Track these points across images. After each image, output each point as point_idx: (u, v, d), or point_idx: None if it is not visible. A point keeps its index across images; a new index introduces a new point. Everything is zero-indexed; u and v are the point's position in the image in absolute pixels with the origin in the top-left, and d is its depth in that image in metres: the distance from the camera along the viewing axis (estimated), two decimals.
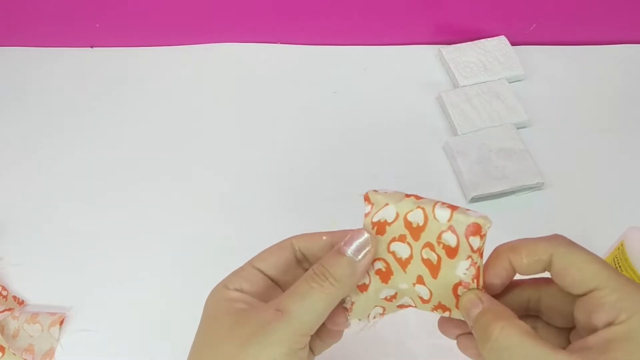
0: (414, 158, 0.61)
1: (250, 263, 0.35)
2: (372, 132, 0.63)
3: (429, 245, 0.31)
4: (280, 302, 0.32)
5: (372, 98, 0.66)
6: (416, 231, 0.31)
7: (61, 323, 0.49)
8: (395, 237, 0.32)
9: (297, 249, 0.35)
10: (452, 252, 0.31)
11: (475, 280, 0.31)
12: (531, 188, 0.57)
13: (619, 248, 0.45)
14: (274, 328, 0.30)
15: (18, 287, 0.52)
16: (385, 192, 0.33)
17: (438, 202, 0.32)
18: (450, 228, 0.31)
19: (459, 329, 0.34)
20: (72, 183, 0.60)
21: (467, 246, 0.31)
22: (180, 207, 0.58)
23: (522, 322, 0.29)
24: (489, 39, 0.68)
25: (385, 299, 0.33)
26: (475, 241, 0.30)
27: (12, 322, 0.49)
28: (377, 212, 0.33)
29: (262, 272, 0.35)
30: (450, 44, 0.68)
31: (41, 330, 0.49)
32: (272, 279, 0.35)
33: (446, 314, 0.33)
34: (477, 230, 0.30)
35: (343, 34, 0.70)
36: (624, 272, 0.44)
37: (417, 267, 0.32)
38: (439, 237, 0.31)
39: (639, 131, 0.62)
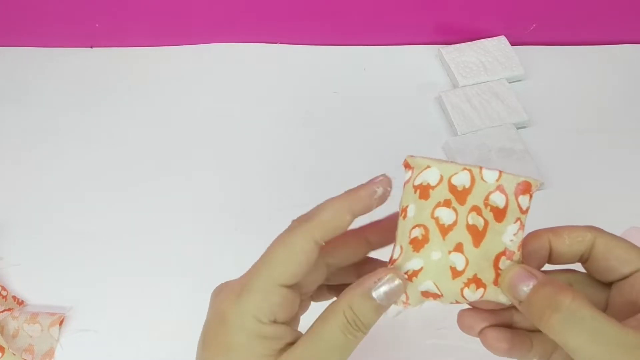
0: None
1: (274, 281, 0.30)
2: (372, 132, 0.63)
3: (475, 209, 0.29)
4: (318, 354, 0.29)
5: (372, 98, 0.66)
6: (462, 194, 0.29)
7: (61, 323, 0.49)
8: (440, 202, 0.30)
9: (370, 245, 0.34)
10: (500, 214, 0.29)
11: (520, 250, 0.30)
12: None
13: None
14: None
15: (18, 287, 0.52)
16: (427, 157, 0.31)
17: (483, 166, 0.30)
18: (499, 188, 0.29)
19: (485, 321, 0.31)
20: (72, 183, 0.60)
21: (516, 206, 0.30)
22: (181, 207, 0.58)
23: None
24: (488, 39, 0.68)
25: (407, 273, 0.30)
26: (525, 200, 0.30)
27: (12, 322, 0.49)
28: (419, 174, 0.30)
29: (286, 287, 0.31)
30: (450, 44, 0.68)
31: (41, 331, 0.49)
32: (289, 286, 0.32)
33: (479, 291, 0.29)
34: (527, 188, 0.30)
35: (343, 34, 0.70)
36: None
37: (459, 234, 0.29)
38: (487, 198, 0.29)
39: (639, 131, 0.62)
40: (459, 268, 0.29)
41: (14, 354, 0.47)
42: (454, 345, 0.48)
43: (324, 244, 0.31)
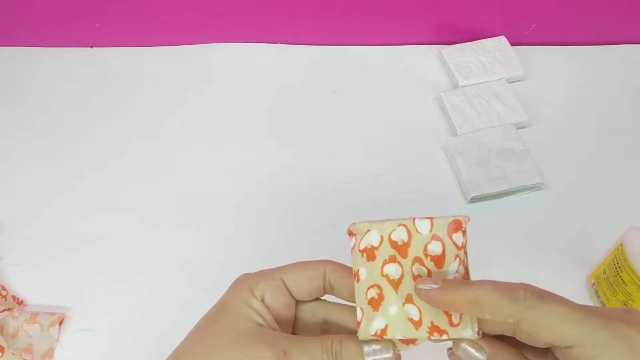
0: (414, 158, 0.61)
1: (280, 274, 0.35)
2: (372, 132, 0.63)
3: (417, 260, 0.32)
4: (290, 347, 0.32)
5: (372, 98, 0.66)
6: (403, 248, 0.32)
7: (61, 323, 0.49)
8: (386, 260, 0.32)
9: (327, 279, 0.35)
10: (440, 260, 0.32)
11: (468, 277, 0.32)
12: (531, 188, 0.57)
13: (618, 248, 0.45)
14: None
15: (18, 287, 0.52)
16: (367, 221, 0.33)
17: (416, 217, 0.32)
18: (434, 237, 0.32)
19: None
20: (72, 183, 0.60)
21: (452, 246, 0.32)
22: (181, 207, 0.58)
23: None
24: (488, 39, 0.68)
25: (376, 334, 0.32)
26: (459, 237, 0.32)
27: (12, 322, 0.49)
28: (362, 239, 0.33)
29: (287, 288, 0.35)
30: (450, 44, 0.68)
31: (41, 330, 0.49)
32: (293, 296, 0.35)
33: (443, 337, 0.31)
34: (457, 226, 0.32)
35: (343, 34, 0.70)
36: (623, 273, 0.44)
37: (407, 286, 0.32)
38: (425, 249, 0.32)
39: (638, 131, 0.62)
40: (415, 318, 0.31)
41: (14, 354, 0.47)
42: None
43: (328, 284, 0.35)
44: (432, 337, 0.31)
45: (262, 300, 0.34)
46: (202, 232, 0.56)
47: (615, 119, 0.63)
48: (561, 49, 0.70)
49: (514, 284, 0.29)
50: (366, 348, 0.31)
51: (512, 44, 0.68)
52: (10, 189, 0.59)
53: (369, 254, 0.33)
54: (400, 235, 0.32)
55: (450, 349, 0.32)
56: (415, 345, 0.32)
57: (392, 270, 0.32)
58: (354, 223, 0.33)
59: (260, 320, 0.33)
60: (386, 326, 0.31)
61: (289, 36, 0.71)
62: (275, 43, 0.71)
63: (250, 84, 0.68)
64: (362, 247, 0.33)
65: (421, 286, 0.30)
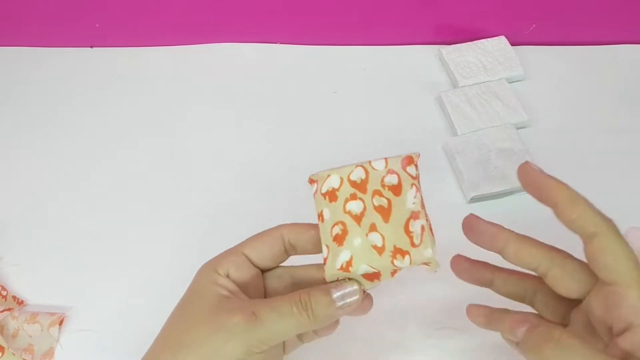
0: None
1: (241, 248, 0.37)
2: (371, 132, 0.63)
3: (376, 192, 0.35)
4: (259, 308, 0.34)
5: (372, 98, 0.66)
6: (362, 185, 0.35)
7: (61, 323, 0.49)
8: (347, 198, 0.35)
9: (287, 240, 0.37)
10: (397, 189, 0.35)
11: (424, 209, 0.35)
12: None
13: None
14: (242, 328, 0.33)
15: (18, 287, 0.52)
16: (327, 169, 0.37)
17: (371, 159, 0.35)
18: (389, 171, 0.35)
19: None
20: (72, 183, 0.60)
21: (407, 177, 0.35)
22: (181, 207, 0.58)
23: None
24: (488, 39, 0.68)
25: (342, 267, 0.34)
26: (412, 169, 0.35)
27: (12, 322, 0.49)
28: (323, 184, 0.36)
29: (250, 260, 0.37)
30: (450, 44, 0.68)
31: (41, 330, 0.49)
32: (257, 266, 0.38)
33: (406, 259, 0.34)
34: (409, 160, 0.35)
35: (343, 34, 0.70)
36: None
37: (370, 217, 0.34)
38: (382, 181, 0.35)
39: (638, 131, 0.62)
40: (379, 244, 0.34)
41: (14, 354, 0.47)
42: (454, 345, 0.48)
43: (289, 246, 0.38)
44: (395, 262, 0.34)
45: (227, 276, 0.36)
46: (203, 232, 0.56)
47: (615, 119, 0.63)
48: (561, 49, 0.70)
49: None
50: (335, 294, 0.34)
51: (512, 44, 0.68)
52: (10, 189, 0.59)
53: (331, 195, 0.35)
54: (358, 174, 0.35)
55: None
56: (379, 280, 0.35)
57: (354, 206, 0.35)
58: (315, 173, 0.37)
59: (227, 293, 0.35)
60: (351, 257, 0.34)
61: (289, 36, 0.71)
62: (275, 43, 0.71)
63: (250, 84, 0.68)
64: (323, 190, 0.36)
65: (534, 167, 0.35)
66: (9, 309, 0.50)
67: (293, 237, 0.38)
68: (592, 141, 0.61)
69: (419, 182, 0.35)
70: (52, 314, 0.50)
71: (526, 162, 0.35)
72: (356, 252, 0.34)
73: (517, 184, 0.56)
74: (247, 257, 0.37)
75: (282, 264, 0.39)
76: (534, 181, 0.35)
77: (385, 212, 0.34)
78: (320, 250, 0.35)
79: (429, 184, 0.59)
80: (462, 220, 0.38)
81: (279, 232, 0.38)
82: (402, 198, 0.35)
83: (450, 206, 0.57)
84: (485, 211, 0.57)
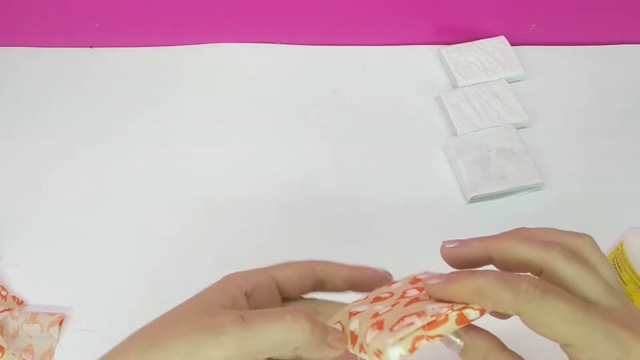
0: (414, 158, 0.61)
1: (272, 272, 0.34)
2: (371, 132, 0.63)
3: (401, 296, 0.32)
4: (250, 312, 0.30)
5: (371, 98, 0.66)
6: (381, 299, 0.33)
7: (60, 323, 0.49)
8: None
9: (318, 275, 0.35)
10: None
11: (434, 328, 0.30)
12: (531, 188, 0.57)
13: (618, 248, 0.45)
14: (226, 330, 0.29)
15: (17, 287, 0.52)
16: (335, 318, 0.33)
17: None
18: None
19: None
20: (72, 183, 0.60)
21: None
22: (181, 207, 0.58)
23: None
24: (488, 39, 0.68)
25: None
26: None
27: (12, 322, 0.49)
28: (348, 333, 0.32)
29: (278, 285, 0.35)
30: (450, 44, 0.68)
31: (40, 331, 0.49)
32: (282, 293, 0.35)
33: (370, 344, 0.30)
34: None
35: (343, 34, 0.70)
36: (623, 273, 0.44)
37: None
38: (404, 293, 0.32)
39: (638, 131, 0.62)
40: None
41: (14, 354, 0.47)
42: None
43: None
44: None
45: (246, 294, 0.33)
46: (203, 232, 0.56)
47: (615, 119, 0.63)
48: (561, 49, 0.70)
49: (519, 276, 0.28)
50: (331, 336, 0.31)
51: (512, 44, 0.68)
52: (10, 189, 0.59)
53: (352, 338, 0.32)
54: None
55: None
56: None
57: (380, 307, 0.32)
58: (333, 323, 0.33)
59: (229, 306, 0.32)
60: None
61: (289, 36, 0.71)
62: (275, 43, 0.71)
63: (250, 84, 0.68)
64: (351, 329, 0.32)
65: (430, 282, 0.30)
66: (8, 309, 0.50)
67: (327, 273, 0.35)
68: (592, 141, 0.61)
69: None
70: (52, 314, 0.49)
71: (442, 247, 0.32)
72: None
73: (517, 184, 0.57)
74: (275, 280, 0.34)
75: (303, 296, 0.37)
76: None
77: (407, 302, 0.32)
78: (347, 289, 0.34)
79: (429, 184, 0.59)
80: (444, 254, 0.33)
81: (312, 266, 0.35)
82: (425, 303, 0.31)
83: (450, 206, 0.57)
84: (485, 211, 0.57)
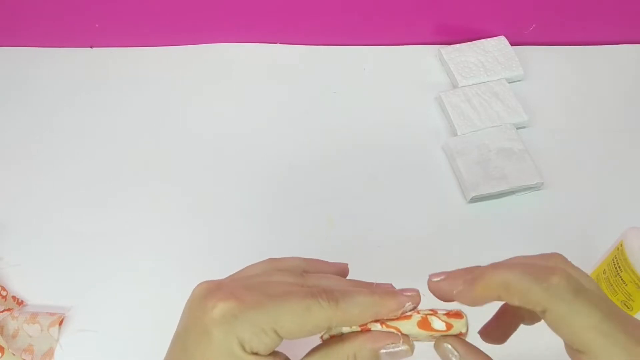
0: (414, 158, 0.61)
1: (274, 326, 0.29)
2: (371, 132, 0.63)
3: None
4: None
5: (371, 98, 0.66)
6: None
7: (60, 323, 0.49)
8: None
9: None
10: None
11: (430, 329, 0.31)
12: (531, 188, 0.57)
13: (618, 248, 0.45)
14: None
15: (17, 287, 0.52)
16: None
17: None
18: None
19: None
20: (71, 183, 0.60)
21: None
22: (181, 207, 0.58)
23: None
24: (488, 39, 0.68)
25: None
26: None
27: (12, 323, 0.49)
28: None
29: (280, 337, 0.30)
30: (449, 44, 0.68)
31: (40, 331, 0.49)
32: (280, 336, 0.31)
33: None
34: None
35: (343, 34, 0.70)
36: (623, 273, 0.44)
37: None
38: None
39: (638, 131, 0.62)
40: None
41: (14, 354, 0.47)
42: None
43: (332, 330, 0.31)
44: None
45: (256, 354, 0.29)
46: (203, 232, 0.56)
47: (615, 119, 0.63)
48: (561, 49, 0.70)
49: (549, 268, 0.27)
50: (383, 353, 0.30)
51: (512, 44, 0.68)
52: (10, 189, 0.59)
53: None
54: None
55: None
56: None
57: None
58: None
59: None
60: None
61: (289, 36, 0.71)
62: (275, 43, 0.71)
63: (250, 84, 0.68)
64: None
65: (435, 279, 0.29)
66: (8, 310, 0.50)
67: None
68: (592, 141, 0.61)
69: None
70: (52, 314, 0.50)
71: (429, 281, 0.30)
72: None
73: (516, 183, 0.57)
74: (278, 335, 0.29)
75: None
76: (461, 291, 0.29)
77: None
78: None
79: (429, 184, 0.59)
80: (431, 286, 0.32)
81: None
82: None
83: (450, 206, 0.57)
84: (485, 211, 0.57)
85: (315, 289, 0.30)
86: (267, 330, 0.29)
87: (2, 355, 0.47)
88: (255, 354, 0.29)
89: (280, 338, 0.29)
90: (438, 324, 0.30)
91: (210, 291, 0.31)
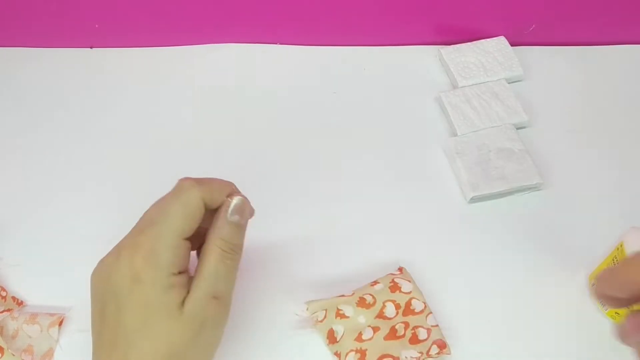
0: (414, 158, 0.61)
1: (179, 235, 0.37)
2: (371, 132, 0.63)
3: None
4: (218, 290, 0.36)
5: (371, 98, 0.66)
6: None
7: (60, 324, 0.49)
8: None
9: (204, 203, 0.39)
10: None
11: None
12: (530, 188, 0.57)
13: (618, 248, 0.45)
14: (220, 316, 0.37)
15: (17, 287, 0.52)
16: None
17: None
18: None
19: None
20: (71, 183, 0.60)
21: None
22: None
23: None
24: (488, 39, 0.68)
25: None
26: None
27: (11, 323, 0.49)
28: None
29: (186, 239, 0.38)
30: (449, 44, 0.68)
31: (40, 331, 0.49)
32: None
33: None
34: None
35: (343, 34, 0.70)
36: None
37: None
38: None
39: (638, 131, 0.62)
40: None
41: (14, 355, 0.47)
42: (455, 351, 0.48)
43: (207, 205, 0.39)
44: None
45: (181, 272, 0.37)
46: None
47: (615, 119, 0.63)
48: (561, 49, 0.70)
49: None
50: (229, 217, 0.40)
51: (512, 44, 0.68)
52: (10, 189, 0.59)
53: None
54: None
55: None
56: None
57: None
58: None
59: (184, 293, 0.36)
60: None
61: (289, 36, 0.71)
62: (275, 43, 0.71)
63: (250, 85, 0.68)
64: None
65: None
66: (8, 310, 0.50)
67: (208, 199, 0.39)
68: (592, 141, 0.61)
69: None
70: (52, 315, 0.49)
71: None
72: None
73: (517, 184, 0.57)
74: (185, 238, 0.38)
75: None
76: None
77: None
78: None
79: (429, 184, 0.59)
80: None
81: (199, 202, 0.39)
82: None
83: (450, 206, 0.57)
84: (485, 211, 0.57)
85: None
86: (177, 241, 0.36)
87: (1, 356, 0.47)
88: (181, 272, 0.36)
89: (187, 241, 0.37)
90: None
91: (103, 260, 0.39)
